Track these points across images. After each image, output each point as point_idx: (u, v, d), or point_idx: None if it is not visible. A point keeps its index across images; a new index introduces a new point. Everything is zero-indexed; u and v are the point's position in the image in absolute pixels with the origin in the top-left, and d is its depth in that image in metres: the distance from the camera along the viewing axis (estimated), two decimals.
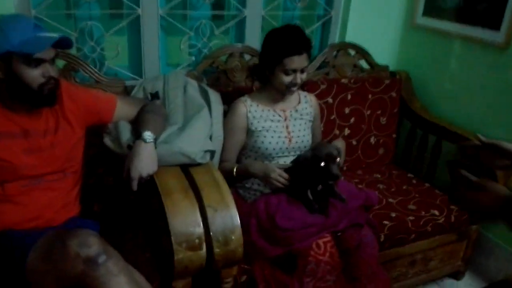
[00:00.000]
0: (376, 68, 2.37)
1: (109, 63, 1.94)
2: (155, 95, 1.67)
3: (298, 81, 1.65)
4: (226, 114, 1.77)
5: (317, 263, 1.41)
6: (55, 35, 1.25)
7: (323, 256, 1.42)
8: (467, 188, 1.01)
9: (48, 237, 1.20)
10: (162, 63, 2.00)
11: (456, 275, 2.21)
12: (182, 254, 1.27)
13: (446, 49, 2.28)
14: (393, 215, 1.91)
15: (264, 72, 1.71)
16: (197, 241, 1.31)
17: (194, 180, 1.43)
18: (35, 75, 1.24)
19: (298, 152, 1.79)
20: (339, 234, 1.53)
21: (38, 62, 1.23)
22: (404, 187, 2.18)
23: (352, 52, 2.30)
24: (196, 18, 2.06)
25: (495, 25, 2.00)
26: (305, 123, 1.82)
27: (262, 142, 1.71)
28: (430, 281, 2.14)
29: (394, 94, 2.34)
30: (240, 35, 2.18)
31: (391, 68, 2.43)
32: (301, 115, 1.81)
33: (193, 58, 2.09)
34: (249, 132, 1.73)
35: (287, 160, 1.76)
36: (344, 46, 2.27)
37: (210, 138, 1.61)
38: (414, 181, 2.25)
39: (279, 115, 1.76)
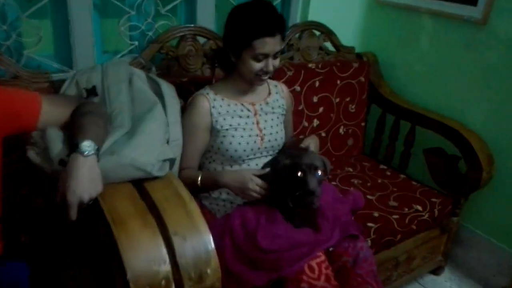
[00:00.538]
0: (342, 51, 2.14)
1: (29, 52, 1.54)
2: (91, 91, 1.31)
3: (270, 68, 1.37)
4: (183, 111, 1.45)
5: None
6: None
7: (317, 280, 1.17)
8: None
9: None
10: (97, 51, 1.63)
11: (436, 271, 2.07)
12: None
13: (416, 27, 2.10)
14: (376, 214, 1.71)
15: (228, 58, 1.41)
16: (163, 282, 1.01)
17: (152, 199, 1.12)
18: None
19: (270, 153, 1.52)
20: (331, 249, 1.28)
21: None
22: (380, 181, 1.99)
23: (317, 33, 2.05)
24: None
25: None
26: (278, 118, 1.54)
27: (230, 143, 1.42)
28: (411, 280, 1.98)
29: (362, 78, 2.13)
30: (190, 14, 1.85)
31: (357, 50, 2.22)
32: (272, 108, 1.53)
33: (136, 43, 1.73)
34: (214, 131, 1.43)
35: (259, 163, 1.48)
36: (308, 26, 2.02)
37: (167, 142, 1.29)
38: (388, 173, 2.07)
39: (248, 110, 1.48)
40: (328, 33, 2.07)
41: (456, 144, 1.86)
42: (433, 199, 1.85)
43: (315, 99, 1.99)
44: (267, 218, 1.28)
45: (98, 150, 1.08)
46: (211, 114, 1.42)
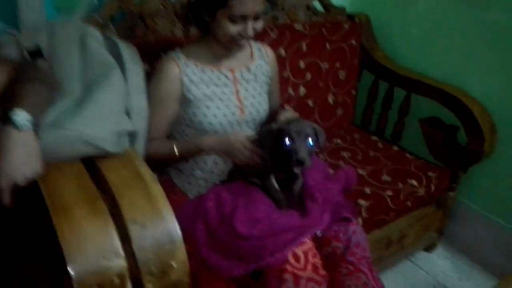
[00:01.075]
0: (332, 11, 1.94)
1: None
2: (36, 54, 1.11)
3: (249, 32, 1.18)
4: (149, 77, 1.26)
5: (296, 281, 1.00)
6: None
7: (303, 270, 1.01)
8: None
9: None
10: (48, 8, 1.41)
11: (429, 248, 1.95)
12: None
13: None
14: (368, 191, 1.56)
15: (201, 16, 1.21)
16: (116, 279, 0.84)
17: (107, 181, 0.94)
18: None
19: (252, 127, 1.34)
20: (320, 234, 1.12)
21: None
22: (372, 154, 1.83)
23: None
24: None
25: None
26: (261, 87, 1.36)
27: (205, 115, 1.24)
28: (403, 258, 1.85)
29: (353, 41, 1.94)
30: None
31: (348, 10, 2.01)
32: (254, 76, 1.34)
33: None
34: (186, 102, 1.25)
35: None
36: None
37: (128, 113, 1.10)
38: (380, 145, 1.91)
39: (226, 77, 1.29)
40: None
41: (456, 113, 1.70)
42: (430, 173, 1.70)
43: (301, 64, 1.80)
44: (246, 199, 1.12)
45: (36, 123, 0.90)
46: (182, 82, 1.23)
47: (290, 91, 1.80)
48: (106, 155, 1.00)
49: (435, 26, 1.86)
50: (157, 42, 1.44)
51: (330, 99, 1.96)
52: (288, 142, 1.09)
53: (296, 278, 1.00)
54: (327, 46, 1.86)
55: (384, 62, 1.96)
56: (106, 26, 1.35)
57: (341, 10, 1.97)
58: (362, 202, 1.50)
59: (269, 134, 1.14)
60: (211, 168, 1.28)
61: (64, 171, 0.93)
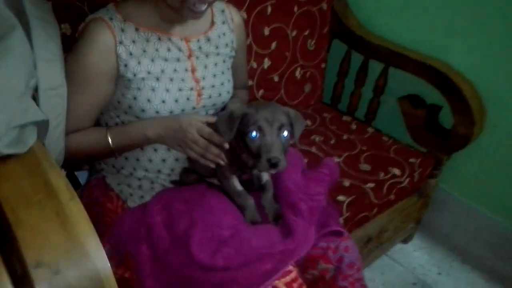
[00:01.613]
0: None
1: None
2: None
3: None
4: (70, 44, 0.92)
5: None
6: None
7: None
8: None
9: None
10: None
11: (405, 239, 1.78)
12: None
13: None
14: (347, 184, 1.33)
15: None
16: None
17: None
18: None
19: (212, 114, 1.05)
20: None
21: None
22: (345, 137, 1.60)
23: None
24: None
25: None
26: (224, 62, 1.07)
27: (149, 101, 0.93)
28: (380, 255, 1.67)
29: (324, 5, 1.68)
30: None
31: None
32: (216, 47, 1.05)
33: None
34: (122, 81, 0.93)
35: None
36: None
37: (34, 97, 0.78)
38: (354, 126, 1.69)
39: (178, 49, 0.98)
40: None
41: (442, 92, 1.49)
42: (412, 160, 1.50)
43: (266, 31, 1.51)
44: (205, 210, 0.84)
45: None
46: (117, 54, 0.91)
47: (253, 63, 1.51)
48: None
49: None
50: None
51: (298, 73, 1.69)
52: (256, 134, 0.81)
53: None
54: (295, 9, 1.57)
55: (358, 31, 1.71)
56: None
57: None
58: (341, 198, 1.27)
59: (228, 121, 0.85)
60: (157, 166, 0.99)
61: None
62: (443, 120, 1.58)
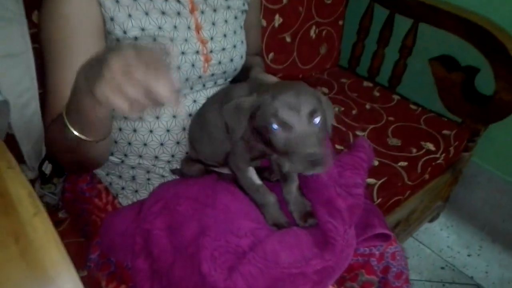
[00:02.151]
0: None
1: None
2: None
3: None
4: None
5: None
6: None
7: None
8: None
9: None
10: None
11: (432, 218, 1.63)
12: None
13: None
14: (376, 163, 1.16)
15: None
16: None
17: None
18: None
19: (221, 85, 0.86)
20: None
21: None
22: (368, 106, 1.41)
23: None
24: None
25: None
26: (235, 18, 0.86)
27: None
28: (406, 237, 1.51)
29: None
30: None
31: None
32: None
33: None
34: (111, 43, 0.73)
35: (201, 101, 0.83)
36: None
37: None
38: (377, 93, 1.50)
39: (179, 1, 0.77)
40: None
41: (484, 52, 1.29)
42: (445, 131, 1.32)
43: None
44: (219, 212, 0.66)
45: None
46: (102, 5, 0.70)
47: (262, 21, 1.30)
48: None
49: None
50: None
51: (313, 32, 1.48)
52: (278, 127, 0.61)
53: None
54: None
55: None
56: None
57: None
58: (370, 180, 1.10)
59: (235, 114, 0.66)
60: (154, 151, 0.80)
61: None
62: (479, 86, 1.39)
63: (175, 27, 0.77)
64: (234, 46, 0.85)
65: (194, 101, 0.82)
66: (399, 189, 1.13)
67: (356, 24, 1.60)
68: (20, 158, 0.87)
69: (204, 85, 0.83)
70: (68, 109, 0.61)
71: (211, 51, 0.81)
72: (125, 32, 0.73)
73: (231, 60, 0.84)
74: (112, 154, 0.82)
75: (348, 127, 1.28)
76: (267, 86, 0.67)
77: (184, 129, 0.81)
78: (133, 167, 0.82)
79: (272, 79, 0.80)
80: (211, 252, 0.61)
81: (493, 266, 1.52)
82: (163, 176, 0.82)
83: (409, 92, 1.55)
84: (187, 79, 0.78)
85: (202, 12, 0.80)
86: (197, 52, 0.79)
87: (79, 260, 0.79)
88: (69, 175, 0.87)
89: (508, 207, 1.55)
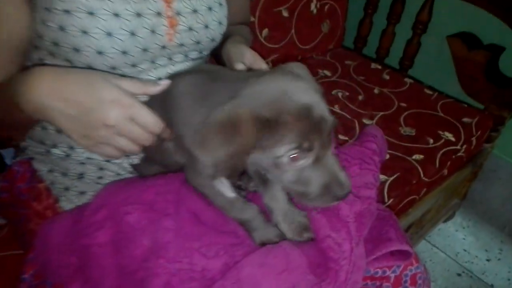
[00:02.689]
0: None
1: None
2: None
3: None
4: None
5: None
6: None
7: None
8: None
9: None
10: None
11: (446, 218, 1.46)
12: None
13: None
14: (387, 156, 0.99)
15: None
16: None
17: None
18: None
19: (191, 60, 0.69)
20: None
21: None
22: (377, 91, 1.24)
23: None
24: None
25: None
26: None
27: (84, 32, 0.57)
28: (419, 239, 1.35)
29: None
30: None
31: None
32: None
33: None
34: (40, 5, 0.56)
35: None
36: None
37: None
38: (387, 76, 1.32)
39: None
40: None
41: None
42: (466, 119, 1.16)
43: None
44: (183, 224, 0.50)
45: None
46: None
47: None
48: None
49: None
50: None
51: (313, 6, 1.30)
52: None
53: None
54: None
55: None
56: None
57: None
58: (380, 177, 0.93)
59: (227, 134, 0.48)
60: None
61: None
62: (504, 67, 1.22)
63: None
64: (210, 8, 0.67)
65: (160, 79, 0.65)
66: (413, 187, 0.96)
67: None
68: None
69: (170, 59, 0.66)
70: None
71: (177, 13, 0.64)
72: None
73: (206, 26, 0.67)
74: (55, 146, 0.65)
75: (353, 115, 1.11)
76: (255, 80, 0.51)
77: None
78: (82, 163, 0.65)
79: (250, 56, 0.64)
80: (167, 280, 0.45)
81: None
82: (118, 174, 0.65)
83: (423, 76, 1.38)
84: (145, 50, 0.61)
85: None
86: (159, 13, 0.62)
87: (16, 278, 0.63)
88: (7, 173, 0.71)
89: None
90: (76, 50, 0.57)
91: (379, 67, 1.38)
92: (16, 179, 0.67)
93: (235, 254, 0.49)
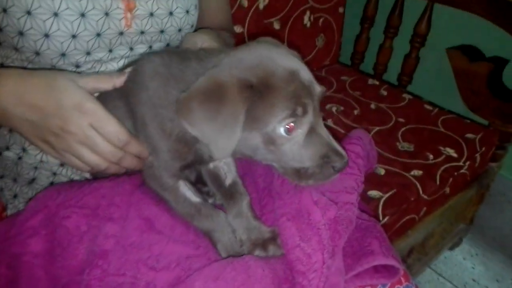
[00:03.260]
0: None
1: None
2: None
3: None
4: None
5: None
6: None
7: None
8: None
9: None
10: None
11: (453, 245, 1.37)
12: None
13: None
14: (382, 172, 0.92)
15: None
16: None
17: None
18: None
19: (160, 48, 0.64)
20: None
21: None
22: (373, 106, 1.18)
23: None
24: None
25: None
26: None
27: (29, 13, 0.52)
28: (422, 267, 1.26)
29: None
30: None
31: None
32: None
33: None
34: None
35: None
36: None
37: None
38: (384, 92, 1.27)
39: None
40: None
41: None
42: (469, 135, 1.09)
43: None
44: (131, 231, 0.44)
45: None
46: None
47: (243, 0, 1.09)
48: None
49: None
50: None
51: (307, 19, 1.27)
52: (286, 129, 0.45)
53: None
54: None
55: None
56: None
57: None
58: (374, 193, 0.87)
59: (212, 102, 0.43)
60: None
61: None
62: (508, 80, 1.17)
63: None
64: (174, 3, 0.62)
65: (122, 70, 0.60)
66: (412, 205, 0.89)
67: (360, 11, 1.39)
68: None
69: (132, 49, 0.61)
70: None
71: (136, 8, 0.59)
72: None
73: (170, 13, 0.62)
74: (7, 148, 0.60)
75: (347, 129, 1.05)
76: (233, 51, 0.48)
77: None
78: (35, 167, 0.59)
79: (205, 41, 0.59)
80: None
81: None
82: (73, 180, 0.59)
83: (423, 92, 1.33)
84: (98, 35, 0.56)
85: None
86: (119, 7, 0.57)
87: None
88: None
89: None
90: (21, 33, 0.53)
91: (377, 82, 1.33)
92: None
93: (191, 267, 0.42)
